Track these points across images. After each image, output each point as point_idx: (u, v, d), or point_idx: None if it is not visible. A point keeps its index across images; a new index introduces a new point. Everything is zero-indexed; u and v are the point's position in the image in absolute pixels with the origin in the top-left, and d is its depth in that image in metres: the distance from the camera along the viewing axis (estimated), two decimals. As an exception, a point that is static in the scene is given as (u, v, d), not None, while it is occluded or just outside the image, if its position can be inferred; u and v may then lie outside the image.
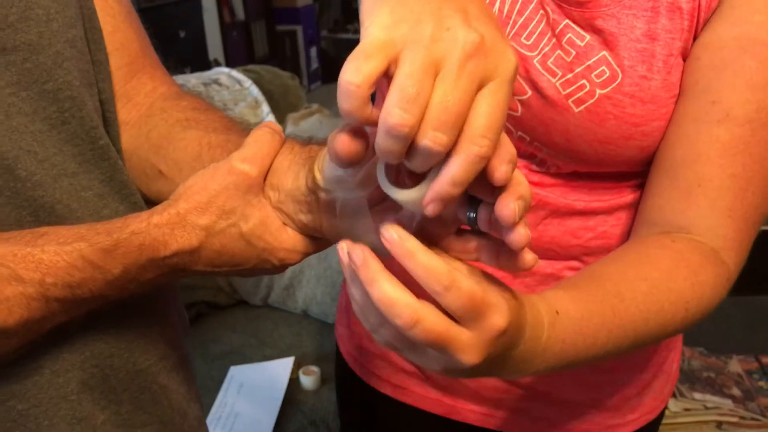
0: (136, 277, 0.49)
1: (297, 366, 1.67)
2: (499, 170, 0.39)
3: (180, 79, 2.32)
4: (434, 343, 0.40)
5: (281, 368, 1.64)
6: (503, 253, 0.43)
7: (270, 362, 1.70)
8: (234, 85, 2.37)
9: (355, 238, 0.47)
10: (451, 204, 0.40)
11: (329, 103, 4.99)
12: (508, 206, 0.39)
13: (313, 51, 6.60)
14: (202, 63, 4.55)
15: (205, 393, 1.59)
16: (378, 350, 0.86)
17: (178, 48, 4.48)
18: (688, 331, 0.77)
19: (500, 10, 0.66)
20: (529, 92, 0.65)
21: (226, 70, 2.47)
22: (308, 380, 1.63)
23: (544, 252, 0.73)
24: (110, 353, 0.55)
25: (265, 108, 2.36)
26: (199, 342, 1.79)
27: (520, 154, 0.69)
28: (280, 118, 2.41)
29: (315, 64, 6.63)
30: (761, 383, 1.94)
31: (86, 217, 0.53)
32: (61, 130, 0.52)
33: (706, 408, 1.82)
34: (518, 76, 0.64)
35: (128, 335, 0.56)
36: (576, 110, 0.63)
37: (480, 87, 0.37)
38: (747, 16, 0.59)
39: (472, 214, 0.43)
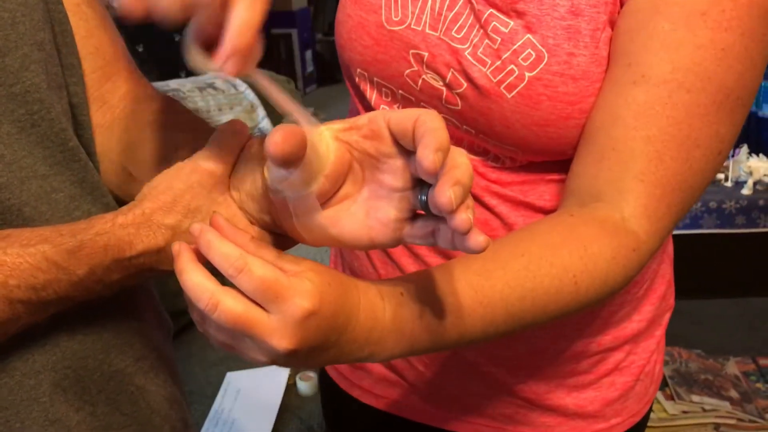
0: (102, 279, 0.49)
1: (294, 371, 1.66)
2: (427, 159, 0.38)
3: (175, 83, 2.31)
4: (237, 326, 0.41)
5: (278, 374, 1.64)
6: (456, 235, 0.42)
7: (267, 368, 1.69)
8: (230, 89, 2.36)
9: (313, 236, 0.47)
10: (248, 57, 0.41)
11: (325, 106, 5.00)
12: (443, 194, 0.39)
13: (308, 54, 6.60)
14: (198, 67, 4.55)
15: (202, 399, 1.58)
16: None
17: (173, 52, 4.48)
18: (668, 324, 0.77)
19: (432, 8, 0.67)
20: (465, 84, 0.65)
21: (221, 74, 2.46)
22: (305, 386, 1.62)
23: None
24: (84, 354, 0.54)
25: (261, 112, 2.36)
26: (196, 348, 1.79)
27: (473, 151, 0.69)
28: (276, 123, 2.40)
29: (310, 67, 6.63)
30: (758, 385, 1.95)
31: (56, 219, 0.53)
32: (30, 132, 0.52)
33: (704, 410, 1.82)
34: (452, 70, 0.65)
35: (103, 336, 0.56)
36: (509, 96, 0.63)
37: None
38: None
39: (423, 197, 0.43)
